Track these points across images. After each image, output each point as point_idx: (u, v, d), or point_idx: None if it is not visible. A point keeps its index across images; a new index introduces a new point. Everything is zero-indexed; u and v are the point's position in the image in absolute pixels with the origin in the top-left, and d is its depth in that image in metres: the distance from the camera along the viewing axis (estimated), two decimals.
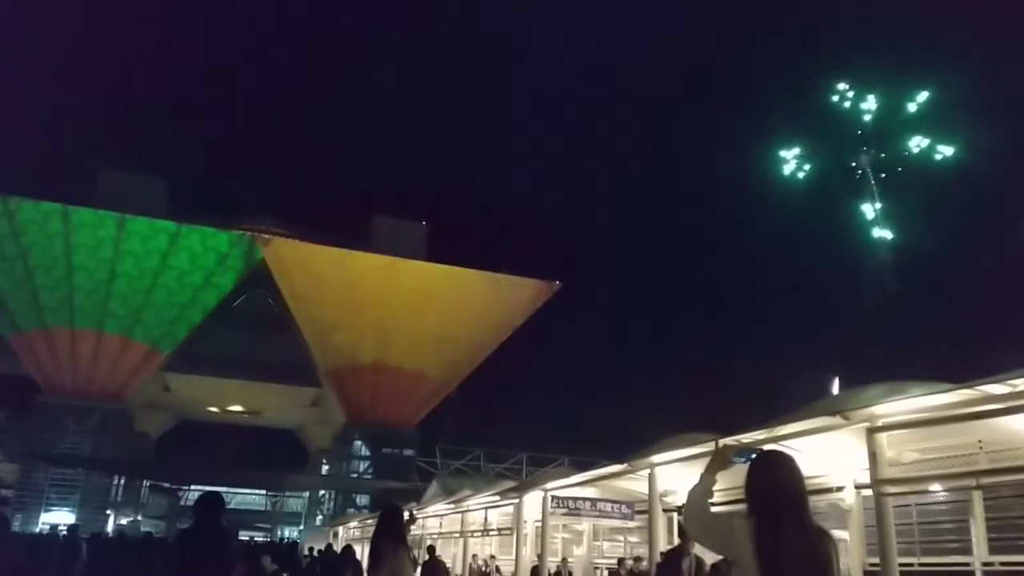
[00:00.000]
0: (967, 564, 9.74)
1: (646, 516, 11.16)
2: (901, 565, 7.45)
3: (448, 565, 16.10)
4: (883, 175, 37.36)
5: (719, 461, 3.14)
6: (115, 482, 44.43)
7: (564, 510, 12.81)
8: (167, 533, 37.96)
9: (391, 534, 6.57)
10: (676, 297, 76.04)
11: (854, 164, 37.72)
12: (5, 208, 39.00)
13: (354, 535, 27.85)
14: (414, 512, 9.89)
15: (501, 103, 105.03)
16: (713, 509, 3.03)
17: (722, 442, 7.71)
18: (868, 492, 7.78)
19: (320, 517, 48.34)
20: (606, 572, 17.54)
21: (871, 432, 6.82)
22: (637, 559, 15.11)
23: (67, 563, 12.67)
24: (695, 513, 3.01)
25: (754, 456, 3.02)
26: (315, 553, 21.03)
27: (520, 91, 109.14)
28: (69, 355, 42.21)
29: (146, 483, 50.06)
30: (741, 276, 70.53)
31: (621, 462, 10.95)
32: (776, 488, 2.83)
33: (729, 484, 4.11)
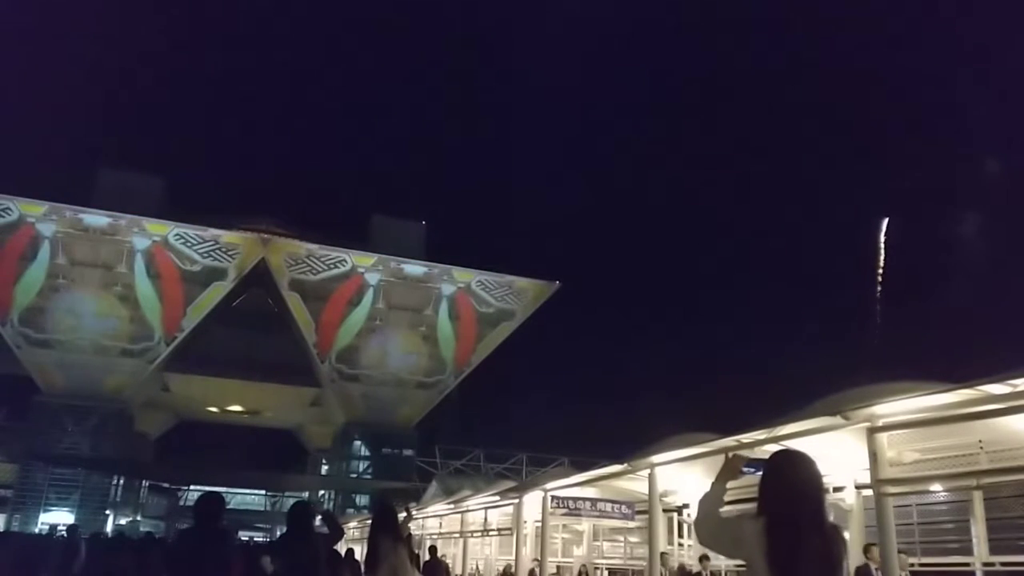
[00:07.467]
0: (968, 564, 9.73)
1: (646, 516, 11.16)
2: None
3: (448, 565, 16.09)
4: None
5: (729, 470, 3.16)
6: (114, 482, 44.32)
7: (564, 510, 12.82)
8: (166, 533, 37.87)
9: (387, 532, 6.52)
10: (676, 297, 76.04)
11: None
12: None
13: (354, 535, 27.79)
14: (411, 510, 9.88)
15: (502, 102, 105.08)
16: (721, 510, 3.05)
17: (724, 443, 7.70)
18: (868, 492, 7.78)
19: (320, 518, 48.12)
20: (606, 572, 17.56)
21: (871, 432, 6.81)
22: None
23: (66, 563, 12.68)
24: (705, 520, 3.05)
25: (774, 455, 3.00)
26: None
27: (521, 90, 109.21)
28: None
29: (145, 483, 49.91)
30: (741, 276, 70.49)
31: (621, 462, 10.95)
32: (798, 490, 2.81)
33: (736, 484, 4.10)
